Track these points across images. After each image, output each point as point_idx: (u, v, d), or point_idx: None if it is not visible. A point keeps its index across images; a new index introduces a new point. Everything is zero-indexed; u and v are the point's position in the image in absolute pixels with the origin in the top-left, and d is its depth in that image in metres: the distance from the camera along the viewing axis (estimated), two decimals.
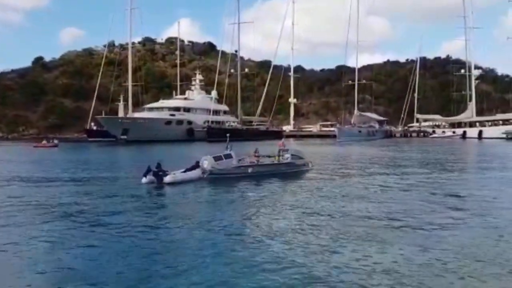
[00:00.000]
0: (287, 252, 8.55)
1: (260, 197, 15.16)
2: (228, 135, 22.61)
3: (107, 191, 16.67)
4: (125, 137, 64.33)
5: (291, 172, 22.11)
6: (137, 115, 72.98)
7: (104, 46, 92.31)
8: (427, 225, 10.91)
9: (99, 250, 8.84)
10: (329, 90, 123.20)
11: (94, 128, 73.22)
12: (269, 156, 23.25)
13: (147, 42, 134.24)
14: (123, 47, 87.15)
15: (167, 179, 17.98)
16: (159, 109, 76.07)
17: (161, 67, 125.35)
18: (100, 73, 75.10)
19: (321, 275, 7.36)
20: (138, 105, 77.50)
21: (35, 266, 7.92)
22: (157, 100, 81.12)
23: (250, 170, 20.55)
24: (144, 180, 18.05)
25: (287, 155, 22.95)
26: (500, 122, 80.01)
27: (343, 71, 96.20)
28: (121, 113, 77.13)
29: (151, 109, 76.30)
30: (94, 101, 73.02)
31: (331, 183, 19.17)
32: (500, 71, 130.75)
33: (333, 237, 9.69)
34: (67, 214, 12.27)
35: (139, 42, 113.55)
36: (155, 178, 17.97)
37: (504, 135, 71.13)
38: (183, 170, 19.37)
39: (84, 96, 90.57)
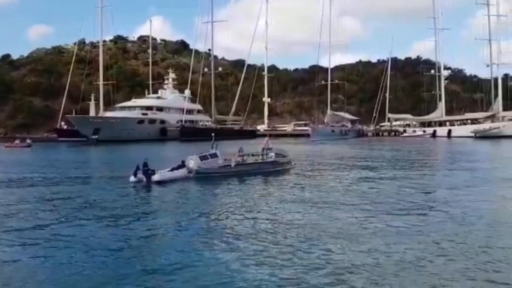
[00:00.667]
0: (253, 252, 8.57)
1: (243, 196, 15.42)
2: (213, 134, 23.22)
3: (98, 190, 16.81)
4: (96, 136, 63.12)
5: (275, 170, 22.54)
6: (108, 114, 71.73)
7: (74, 44, 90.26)
8: (397, 221, 11.13)
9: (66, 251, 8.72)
10: (303, 89, 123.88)
11: (65, 127, 71.54)
12: (253, 155, 23.65)
13: (119, 40, 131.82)
14: (94, 45, 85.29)
15: (155, 177, 18.24)
16: (131, 108, 74.96)
17: (133, 65, 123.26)
18: (70, 71, 73.37)
19: (288, 275, 7.41)
20: (109, 104, 76.16)
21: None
22: (129, 99, 79.84)
23: (235, 169, 20.83)
24: (132, 178, 18.31)
25: (271, 154, 23.45)
26: (469, 121, 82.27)
27: (316, 71, 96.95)
28: (92, 112, 75.68)
29: (123, 108, 75.11)
30: (64, 100, 71.37)
31: (307, 180, 19.45)
32: (468, 71, 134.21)
33: (303, 235, 9.76)
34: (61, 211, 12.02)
35: (110, 40, 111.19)
36: (144, 176, 18.21)
37: (473, 134, 73.03)
38: (169, 169, 19.58)
39: (54, 95, 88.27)
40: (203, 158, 20.35)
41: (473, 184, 18.07)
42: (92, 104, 77.74)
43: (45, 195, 15.78)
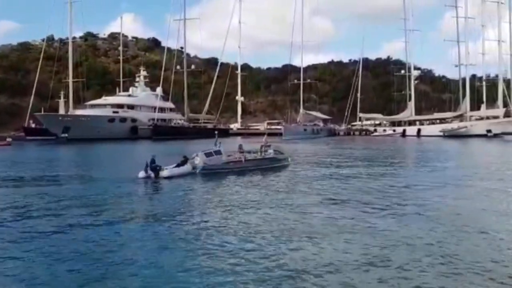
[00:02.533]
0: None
1: (248, 191, 16.23)
2: (216, 132, 24.33)
3: (104, 187, 17.05)
4: (66, 135, 61.75)
5: (274, 166, 23.67)
6: (78, 112, 70.17)
7: (43, 40, 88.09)
8: (366, 217, 11.27)
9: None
10: (276, 88, 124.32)
11: (33, 126, 69.69)
12: (250, 152, 24.60)
13: (89, 37, 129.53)
14: (63, 42, 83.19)
15: (164, 173, 19.19)
16: (102, 106, 73.54)
17: (103, 63, 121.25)
18: (39, 68, 71.36)
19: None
20: (79, 102, 74.47)
21: None
22: (99, 97, 78.29)
23: (238, 165, 21.90)
24: (141, 174, 18.94)
25: (270, 151, 24.72)
26: (438, 120, 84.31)
27: (289, 70, 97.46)
28: (61, 110, 74.06)
29: (93, 106, 73.66)
30: (32, 97, 69.39)
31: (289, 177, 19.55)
32: (437, 72, 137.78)
33: (286, 231, 9.77)
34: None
35: (80, 37, 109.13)
36: (153, 172, 19.01)
37: (441, 133, 74.86)
38: (175, 165, 20.50)
39: (21, 92, 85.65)
40: (208, 155, 21.24)
41: (440, 182, 18.43)
42: (61, 102, 76.02)
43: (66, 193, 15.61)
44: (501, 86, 79.48)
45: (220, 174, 20.49)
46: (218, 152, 21.69)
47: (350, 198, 14.39)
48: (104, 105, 73.90)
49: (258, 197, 14.91)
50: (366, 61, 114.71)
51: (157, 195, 16.12)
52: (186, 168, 20.60)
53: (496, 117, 75.16)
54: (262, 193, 15.77)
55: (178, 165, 20.56)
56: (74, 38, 78.27)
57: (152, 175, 19.03)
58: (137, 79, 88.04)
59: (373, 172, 22.48)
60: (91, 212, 12.29)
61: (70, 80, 73.32)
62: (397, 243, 8.97)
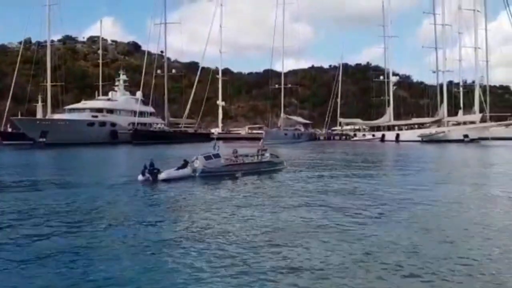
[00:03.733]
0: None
1: (245, 193, 16.80)
2: (215, 137, 24.58)
3: (95, 192, 17.19)
4: (43, 139, 60.58)
5: (271, 169, 24.40)
6: (56, 116, 69.00)
7: (20, 43, 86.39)
8: (345, 222, 11.39)
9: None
10: (257, 93, 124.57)
11: (10, 130, 68.27)
12: (248, 156, 25.22)
13: (68, 40, 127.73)
14: (41, 45, 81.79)
15: (162, 176, 19.74)
16: (81, 110, 72.45)
17: (82, 66, 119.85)
18: (16, 71, 69.92)
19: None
20: (57, 106, 73.25)
21: None
22: (78, 101, 77.19)
23: (236, 168, 22.59)
24: (140, 177, 19.54)
25: (267, 154, 25.24)
26: (416, 126, 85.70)
27: (270, 75, 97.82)
28: (39, 114, 72.61)
29: (72, 110, 72.50)
30: (9, 101, 68.01)
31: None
32: (415, 78, 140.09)
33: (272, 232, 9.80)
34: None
35: (58, 40, 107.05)
36: (151, 175, 19.59)
37: (419, 138, 76.04)
38: (175, 168, 21.17)
39: None
40: (207, 158, 21.84)
41: (416, 185, 18.74)
42: (39, 106, 74.62)
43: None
44: (477, 92, 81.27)
45: (219, 177, 21.12)
46: (216, 156, 22.33)
47: (338, 201, 14.52)
48: (83, 109, 72.84)
49: (250, 199, 15.32)
50: (346, 66, 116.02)
51: (154, 197, 16.28)
52: (186, 171, 21.05)
53: (472, 123, 76.67)
54: (255, 195, 16.28)
55: (178, 168, 21.14)
56: (52, 41, 77.02)
57: (151, 178, 19.57)
58: (117, 83, 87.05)
59: (352, 176, 22.82)
60: (72, 219, 12.10)
61: (48, 83, 72.11)
62: (371, 245, 9.10)
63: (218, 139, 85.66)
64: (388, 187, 18.26)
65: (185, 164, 21.47)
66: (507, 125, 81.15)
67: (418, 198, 15.22)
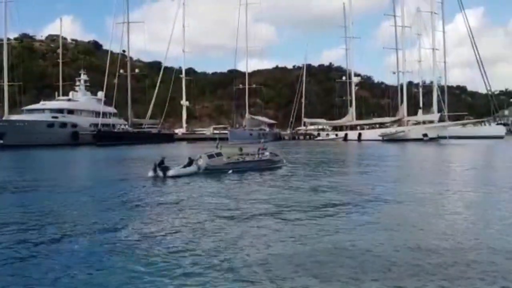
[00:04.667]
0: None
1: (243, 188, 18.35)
2: (218, 137, 28.37)
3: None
4: (1, 141, 58.41)
5: (270, 167, 26.14)
6: (14, 117, 66.63)
7: None
8: (306, 218, 11.62)
9: None
10: (222, 93, 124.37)
11: None
12: (248, 154, 26.95)
13: (25, 39, 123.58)
14: None
15: (170, 173, 21.42)
16: (40, 111, 70.19)
17: (41, 66, 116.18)
18: None
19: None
20: (15, 106, 70.93)
21: None
22: (37, 102, 74.72)
23: (237, 166, 24.45)
24: (150, 173, 21.25)
25: (267, 153, 27.26)
26: (377, 125, 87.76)
27: (234, 75, 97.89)
28: None
29: (31, 111, 70.16)
30: None
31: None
32: (376, 78, 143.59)
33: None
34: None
35: (15, 39, 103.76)
36: (161, 172, 21.20)
37: (380, 137, 77.86)
38: (182, 166, 23.06)
39: None
40: (210, 156, 23.74)
41: (376, 183, 19.23)
42: None
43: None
44: (435, 92, 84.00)
45: (221, 173, 22.84)
46: (219, 154, 24.24)
47: (301, 198, 14.70)
48: (43, 110, 70.61)
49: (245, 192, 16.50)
50: (309, 67, 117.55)
51: (167, 189, 18.15)
52: (191, 168, 22.86)
53: (431, 122, 79.17)
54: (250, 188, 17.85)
55: (184, 166, 23.01)
56: (8, 39, 74.40)
57: (161, 174, 21.19)
58: (78, 83, 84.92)
59: (315, 174, 23.25)
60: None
61: (5, 83, 69.61)
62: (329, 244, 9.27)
63: (182, 139, 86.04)
64: (348, 185, 18.69)
65: (190, 162, 23.26)
66: (464, 124, 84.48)
67: (377, 195, 15.61)
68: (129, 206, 14.05)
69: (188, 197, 15.75)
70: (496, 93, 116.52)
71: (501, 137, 77.53)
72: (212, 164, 23.39)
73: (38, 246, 9.09)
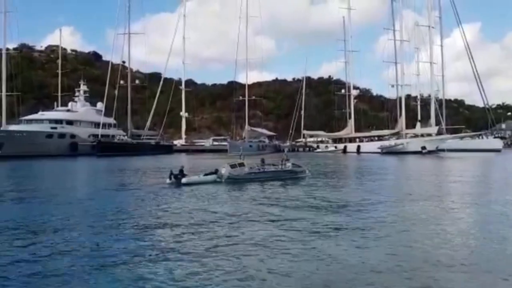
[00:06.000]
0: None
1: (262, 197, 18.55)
2: (241, 147, 30.46)
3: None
4: None
5: (292, 177, 26.83)
6: (13, 127, 66.64)
7: None
8: (303, 232, 11.51)
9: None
10: (221, 105, 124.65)
11: None
12: (274, 165, 27.87)
13: (25, 49, 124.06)
14: None
15: (183, 180, 22.87)
16: (39, 122, 70.34)
17: (40, 76, 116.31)
18: None
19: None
20: (13, 116, 70.89)
21: None
22: (35, 112, 74.73)
23: (259, 176, 25.49)
24: (168, 181, 23.08)
25: (289, 164, 27.78)
26: (376, 138, 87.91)
27: (234, 87, 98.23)
28: None
29: (29, 121, 70.23)
30: None
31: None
32: (374, 91, 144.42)
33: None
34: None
35: (14, 49, 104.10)
36: (176, 180, 22.91)
37: (379, 150, 77.95)
38: (203, 174, 24.89)
39: None
40: (233, 166, 24.85)
41: (375, 195, 19.12)
42: None
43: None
44: (433, 106, 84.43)
45: (242, 182, 23.80)
46: (241, 164, 25.32)
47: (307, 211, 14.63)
48: (42, 120, 70.73)
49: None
50: (308, 79, 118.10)
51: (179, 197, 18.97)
52: (211, 177, 24.28)
53: (429, 135, 79.41)
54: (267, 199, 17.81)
55: (206, 174, 24.72)
56: (8, 49, 74.64)
57: (176, 181, 22.85)
58: (77, 93, 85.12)
59: (316, 185, 23.20)
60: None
61: (4, 93, 69.78)
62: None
63: (181, 151, 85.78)
64: (348, 198, 18.63)
65: (214, 172, 24.70)
66: (461, 138, 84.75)
67: (378, 212, 15.53)
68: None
69: (194, 204, 16.39)
70: (493, 107, 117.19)
71: (498, 151, 77.90)
72: (234, 174, 24.39)
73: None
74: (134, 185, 23.72)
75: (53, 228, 11.94)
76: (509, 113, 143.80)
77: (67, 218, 13.40)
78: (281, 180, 25.23)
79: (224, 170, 24.45)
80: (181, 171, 23.85)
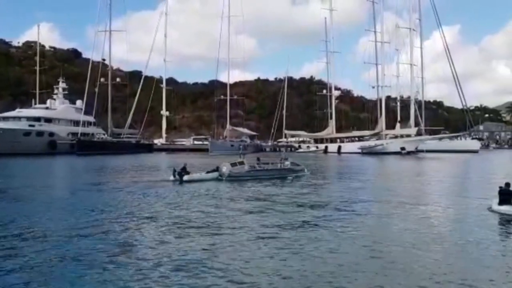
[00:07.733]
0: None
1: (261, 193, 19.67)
2: (241, 146, 29.71)
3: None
4: None
5: (290, 176, 27.44)
6: None
7: None
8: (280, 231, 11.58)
9: None
10: (202, 104, 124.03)
11: None
12: (269, 163, 28.76)
13: (1, 44, 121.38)
14: None
15: (185, 178, 23.91)
16: (16, 119, 68.75)
17: (17, 72, 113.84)
18: None
19: None
20: None
21: None
22: (12, 109, 73.19)
23: (258, 174, 26.29)
24: (171, 178, 24.25)
25: (287, 162, 28.67)
26: (356, 138, 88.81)
27: (215, 86, 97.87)
28: None
29: (6, 118, 68.65)
30: None
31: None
32: (355, 92, 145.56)
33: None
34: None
35: None
36: (179, 177, 23.92)
37: (360, 150, 78.69)
38: (205, 172, 26.10)
39: None
40: (233, 165, 25.77)
41: (354, 195, 19.41)
42: None
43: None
44: (413, 107, 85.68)
45: (242, 180, 24.68)
46: (241, 163, 26.25)
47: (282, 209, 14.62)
48: (19, 118, 69.17)
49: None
50: (290, 79, 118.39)
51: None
52: (212, 175, 25.35)
53: (409, 136, 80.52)
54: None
55: (207, 172, 25.82)
56: None
57: (179, 178, 23.86)
58: (56, 91, 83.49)
59: (296, 186, 23.29)
60: None
61: None
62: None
63: (162, 150, 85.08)
64: (327, 197, 18.86)
65: (215, 169, 25.81)
66: (440, 139, 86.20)
67: (355, 209, 15.65)
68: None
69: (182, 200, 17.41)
70: (471, 108, 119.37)
71: (475, 151, 79.61)
72: (234, 172, 25.26)
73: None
74: (127, 183, 24.26)
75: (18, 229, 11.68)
76: (486, 115, 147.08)
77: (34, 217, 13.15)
78: (280, 178, 26.17)
79: (225, 168, 25.33)
80: (184, 168, 24.65)
